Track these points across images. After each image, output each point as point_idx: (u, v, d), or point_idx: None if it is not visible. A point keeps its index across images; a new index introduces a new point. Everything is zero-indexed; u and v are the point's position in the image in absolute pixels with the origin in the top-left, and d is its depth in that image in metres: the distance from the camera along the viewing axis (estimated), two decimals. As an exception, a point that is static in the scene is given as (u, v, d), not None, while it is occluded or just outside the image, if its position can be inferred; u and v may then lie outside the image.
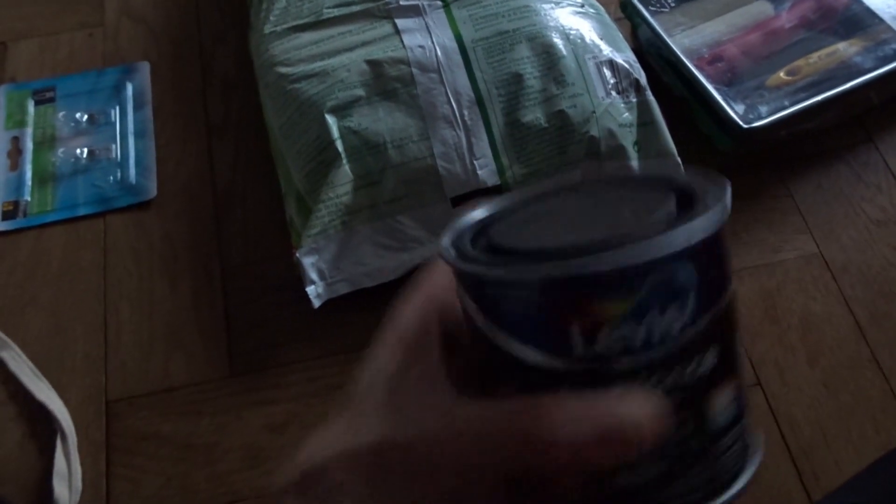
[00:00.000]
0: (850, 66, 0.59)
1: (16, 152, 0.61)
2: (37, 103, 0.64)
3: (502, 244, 0.20)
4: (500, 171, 0.51)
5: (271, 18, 0.56)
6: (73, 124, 0.63)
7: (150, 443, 0.50)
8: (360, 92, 0.51)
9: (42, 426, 0.50)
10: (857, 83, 0.58)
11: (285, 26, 0.55)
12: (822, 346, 0.53)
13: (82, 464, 0.49)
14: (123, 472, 0.49)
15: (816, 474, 0.49)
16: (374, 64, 0.52)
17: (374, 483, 0.19)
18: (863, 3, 0.62)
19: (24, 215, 0.59)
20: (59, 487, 0.47)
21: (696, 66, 0.59)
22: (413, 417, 0.19)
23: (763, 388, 0.51)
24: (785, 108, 0.57)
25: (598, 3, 0.57)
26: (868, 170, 0.60)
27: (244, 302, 0.55)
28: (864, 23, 0.61)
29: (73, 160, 0.61)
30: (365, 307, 0.51)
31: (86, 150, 0.62)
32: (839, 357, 0.53)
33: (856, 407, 0.51)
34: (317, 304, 0.51)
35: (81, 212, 0.59)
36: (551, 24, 0.53)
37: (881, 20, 0.61)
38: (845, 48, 0.60)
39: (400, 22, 0.53)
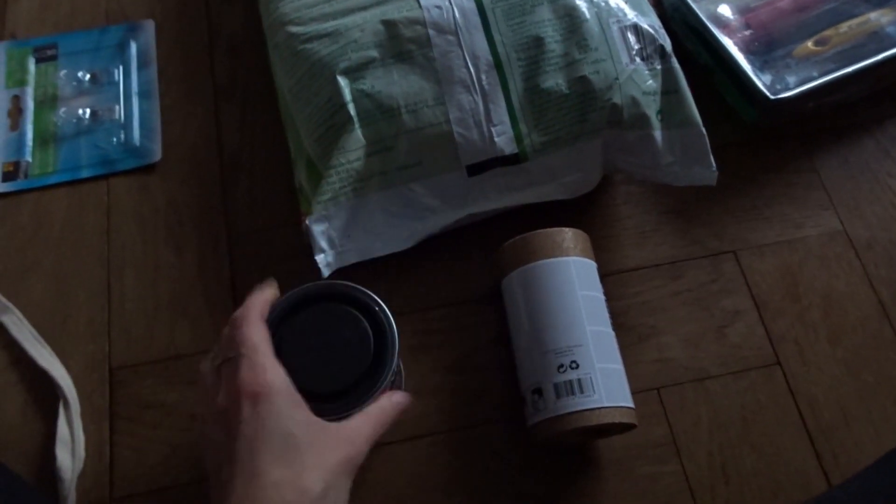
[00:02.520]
0: (882, 37, 0.57)
1: (16, 112, 0.60)
2: (38, 61, 0.62)
3: (293, 383, 0.38)
4: (518, 138, 0.49)
5: (281, -25, 0.54)
6: (75, 83, 0.61)
7: (155, 411, 0.49)
8: (374, 53, 0.49)
9: (44, 393, 0.49)
10: (888, 55, 0.56)
11: (296, -17, 0.53)
12: (844, 325, 0.52)
13: (85, 431, 0.48)
14: (127, 440, 0.48)
15: (836, 455, 0.48)
16: (388, 24, 0.50)
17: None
18: (896, -29, 0.60)
19: (26, 177, 0.57)
20: (62, 455, 0.46)
21: (723, 34, 0.56)
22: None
23: (782, 367, 0.50)
24: (813, 79, 0.55)
25: (621, -34, 0.55)
26: (896, 145, 0.58)
27: (251, 269, 0.53)
28: (896, -9, 0.59)
29: (75, 120, 0.59)
30: (375, 276, 0.50)
31: (88, 110, 0.60)
32: (861, 336, 0.51)
33: (878, 387, 0.50)
34: (326, 272, 0.49)
35: (84, 174, 0.57)
36: (574, -15, 0.50)
37: (915, -11, 0.59)
38: (877, 18, 0.58)
39: (416, -20, 0.51)
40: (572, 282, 0.46)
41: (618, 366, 0.45)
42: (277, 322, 0.42)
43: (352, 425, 0.38)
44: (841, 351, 0.51)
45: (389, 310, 0.43)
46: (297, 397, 0.37)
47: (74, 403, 0.48)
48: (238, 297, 0.52)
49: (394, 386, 0.45)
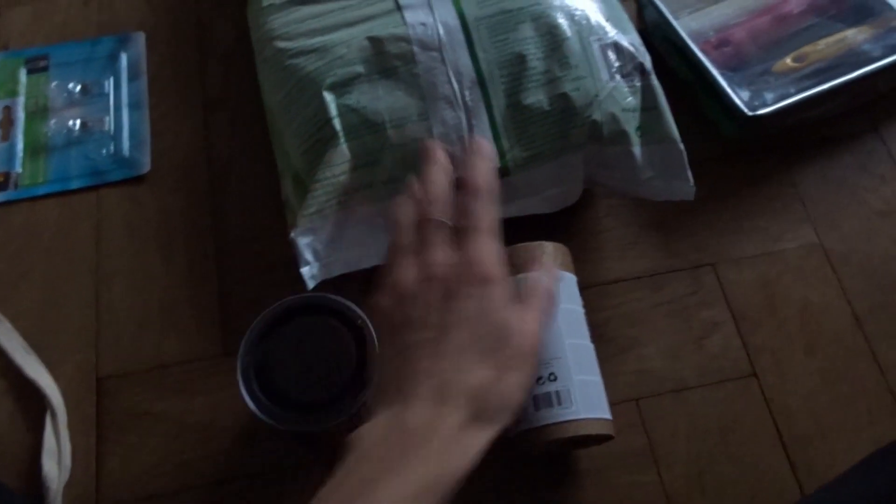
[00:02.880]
0: (859, 54, 0.58)
1: (7, 122, 0.60)
2: (29, 72, 0.63)
3: (275, 393, 0.42)
4: (501, 153, 0.50)
5: (270, -9, 0.55)
6: (66, 94, 0.62)
7: (142, 420, 0.50)
8: (360, 69, 0.50)
9: (32, 402, 0.49)
10: (864, 71, 0.57)
11: (284, -1, 0.54)
12: (820, 337, 0.53)
13: (72, 441, 0.49)
14: (114, 449, 0.49)
15: (809, 465, 0.49)
16: (374, 41, 0.50)
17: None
18: (873, -11, 0.61)
19: (16, 187, 0.58)
20: (49, 465, 0.47)
21: (703, 50, 0.58)
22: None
23: (759, 378, 0.51)
24: (791, 95, 0.56)
25: (604, -17, 0.56)
26: (873, 160, 0.59)
27: (239, 280, 0.54)
28: (874, 10, 0.60)
29: (65, 131, 0.60)
30: (361, 288, 0.51)
31: (79, 121, 0.60)
32: (836, 348, 0.52)
33: (852, 399, 0.51)
34: (311, 284, 0.50)
35: (74, 185, 0.58)
36: (556, 3, 0.51)
37: (891, 7, 0.60)
38: (854, 35, 0.59)
39: (402, -2, 0.52)
40: None
41: (596, 378, 0.46)
42: (262, 335, 0.43)
43: (528, 324, 0.36)
44: (816, 362, 0.52)
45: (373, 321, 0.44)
46: (510, 294, 0.35)
47: (62, 413, 0.49)
48: (226, 306, 0.53)
49: None
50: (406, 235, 0.38)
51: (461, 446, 0.32)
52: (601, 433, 0.44)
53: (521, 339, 0.35)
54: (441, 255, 0.36)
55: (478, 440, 0.33)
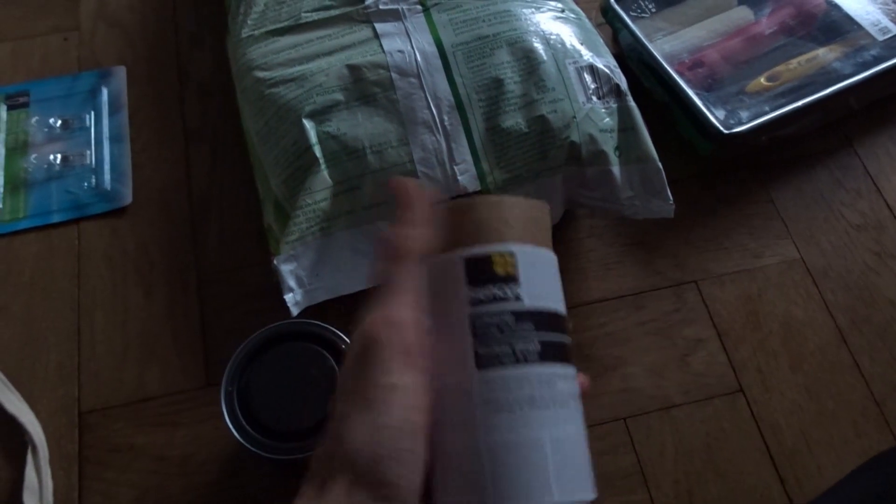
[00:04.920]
0: (830, 72, 0.59)
1: (-13, 158, 0.60)
2: (9, 108, 0.63)
3: (259, 421, 0.42)
4: (481, 176, 0.51)
5: (249, 22, 0.55)
6: (46, 130, 0.62)
7: (125, 455, 0.49)
8: (339, 96, 0.51)
9: (12, 438, 0.49)
10: (836, 89, 0.58)
11: (263, 30, 0.54)
12: (804, 352, 0.53)
13: (54, 477, 0.48)
14: (96, 485, 0.48)
15: (799, 479, 0.48)
16: (353, 68, 0.51)
17: None
18: (841, 10, 0.63)
19: (-4, 222, 0.57)
20: (30, 501, 0.46)
21: (677, 72, 0.58)
22: None
23: (745, 394, 0.51)
24: (765, 113, 0.57)
25: (578, 9, 0.57)
26: (848, 175, 0.60)
27: (221, 309, 0.54)
28: (842, 29, 0.62)
29: (46, 166, 0.60)
30: (343, 314, 0.51)
31: (59, 155, 0.60)
32: (821, 362, 0.53)
33: (837, 412, 0.51)
34: (295, 311, 0.50)
35: (55, 219, 0.58)
36: (532, 28, 0.52)
37: (860, 26, 0.62)
38: (825, 54, 0.60)
39: (379, 26, 0.53)
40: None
41: (578, 428, 0.27)
42: (245, 362, 0.43)
43: None
44: (801, 377, 0.52)
45: None
46: None
47: (43, 449, 0.48)
48: (208, 336, 0.53)
49: None
50: None
51: None
52: None
53: None
54: None
55: None
